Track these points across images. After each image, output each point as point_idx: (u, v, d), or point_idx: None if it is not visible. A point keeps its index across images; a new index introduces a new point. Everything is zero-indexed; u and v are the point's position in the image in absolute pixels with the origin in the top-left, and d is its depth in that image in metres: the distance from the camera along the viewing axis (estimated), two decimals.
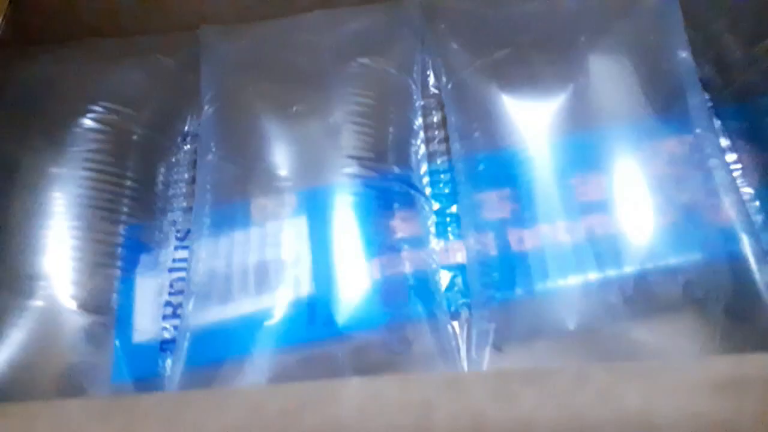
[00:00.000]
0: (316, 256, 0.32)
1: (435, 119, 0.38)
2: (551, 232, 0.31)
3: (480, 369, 0.30)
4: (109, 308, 0.33)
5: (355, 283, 0.31)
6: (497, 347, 0.30)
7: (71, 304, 0.32)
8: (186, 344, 0.32)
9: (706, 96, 0.35)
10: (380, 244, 0.32)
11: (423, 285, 0.32)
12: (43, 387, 0.30)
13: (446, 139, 0.37)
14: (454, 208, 0.35)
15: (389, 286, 0.31)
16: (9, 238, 0.33)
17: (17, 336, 0.31)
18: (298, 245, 0.32)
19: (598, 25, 0.35)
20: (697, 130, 0.32)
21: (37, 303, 0.31)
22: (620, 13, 0.35)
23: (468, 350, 0.31)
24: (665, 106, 0.33)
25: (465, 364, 0.31)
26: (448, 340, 0.31)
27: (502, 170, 0.33)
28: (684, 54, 0.34)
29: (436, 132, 0.37)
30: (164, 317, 0.34)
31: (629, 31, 0.35)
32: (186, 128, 0.39)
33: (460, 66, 0.36)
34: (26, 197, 0.33)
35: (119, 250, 0.34)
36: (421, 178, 0.35)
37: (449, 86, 0.36)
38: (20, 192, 0.34)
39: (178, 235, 0.36)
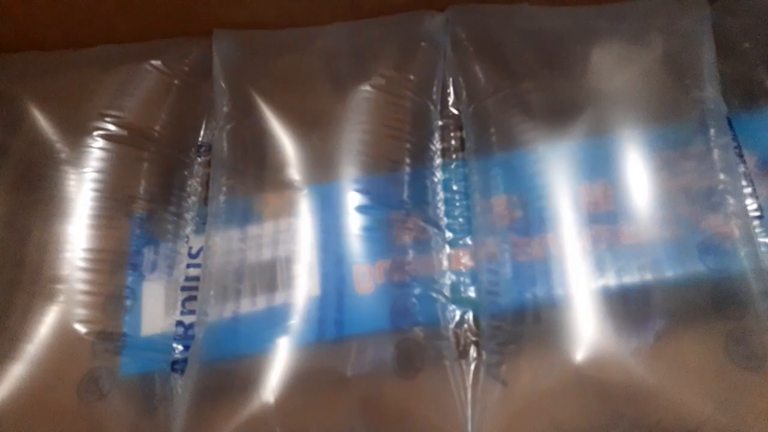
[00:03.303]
0: (325, 255, 0.32)
1: (453, 141, 0.37)
2: (558, 242, 0.31)
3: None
4: (122, 310, 0.33)
5: (362, 285, 0.31)
6: (503, 382, 0.30)
7: (88, 308, 0.32)
8: (200, 340, 0.32)
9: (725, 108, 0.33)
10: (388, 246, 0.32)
11: (429, 291, 0.32)
12: (64, 393, 0.31)
13: (462, 145, 0.36)
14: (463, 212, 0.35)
15: (395, 291, 0.32)
16: (28, 240, 0.33)
17: (37, 343, 0.31)
18: (308, 243, 0.32)
19: (624, 39, 0.34)
20: (712, 142, 0.32)
21: (56, 307, 0.32)
22: (642, 27, 0.34)
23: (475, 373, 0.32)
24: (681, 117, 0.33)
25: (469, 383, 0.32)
26: (452, 358, 0.32)
27: (514, 176, 0.33)
28: (708, 67, 0.33)
29: (454, 155, 0.37)
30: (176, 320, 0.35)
31: (651, 45, 0.34)
32: (200, 140, 0.39)
33: (483, 93, 0.35)
34: (44, 200, 0.34)
35: (131, 249, 0.34)
36: (434, 179, 0.35)
37: (470, 110, 0.36)
38: (39, 195, 0.34)
39: (193, 227, 0.37)
